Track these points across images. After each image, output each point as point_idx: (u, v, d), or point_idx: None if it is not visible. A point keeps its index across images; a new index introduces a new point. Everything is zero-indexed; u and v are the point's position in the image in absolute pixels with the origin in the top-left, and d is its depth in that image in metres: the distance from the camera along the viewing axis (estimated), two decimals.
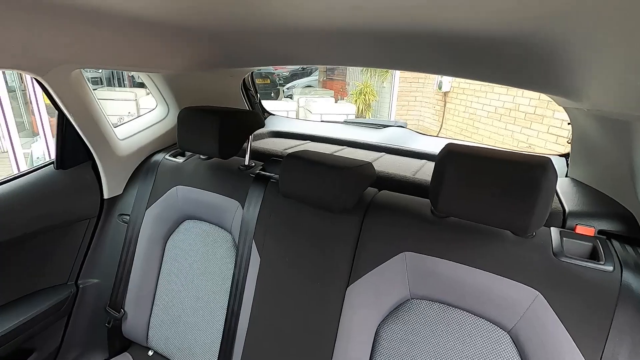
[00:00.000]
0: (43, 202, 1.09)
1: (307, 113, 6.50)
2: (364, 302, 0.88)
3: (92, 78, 8.23)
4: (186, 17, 0.82)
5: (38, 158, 5.09)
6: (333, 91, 9.18)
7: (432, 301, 0.85)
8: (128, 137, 1.25)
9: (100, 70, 8.54)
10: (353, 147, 1.54)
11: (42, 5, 0.70)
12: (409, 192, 1.00)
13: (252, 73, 1.61)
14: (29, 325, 1.07)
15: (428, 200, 0.92)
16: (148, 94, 7.49)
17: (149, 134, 1.31)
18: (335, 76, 10.56)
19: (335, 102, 7.52)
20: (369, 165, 0.95)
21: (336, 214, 0.93)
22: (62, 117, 1.04)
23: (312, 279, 0.94)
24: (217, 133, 1.00)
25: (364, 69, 7.08)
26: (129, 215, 1.23)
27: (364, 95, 6.79)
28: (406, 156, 1.44)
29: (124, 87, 8.49)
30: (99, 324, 1.23)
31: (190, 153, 1.26)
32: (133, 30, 0.92)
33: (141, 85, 9.56)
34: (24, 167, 4.50)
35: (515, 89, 4.51)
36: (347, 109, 6.57)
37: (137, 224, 1.21)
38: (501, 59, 0.78)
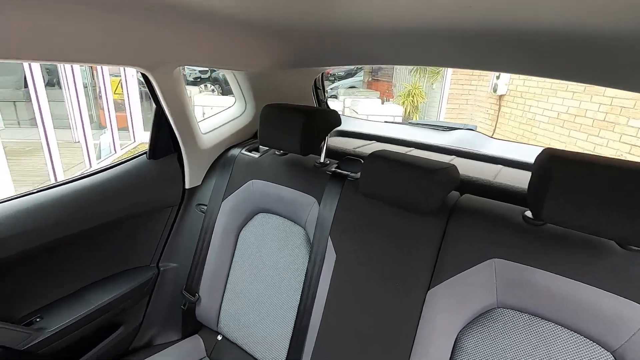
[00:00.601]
0: (135, 189, 1.18)
1: (352, 114, 6.50)
2: (446, 307, 0.86)
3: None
4: (279, 17, 0.85)
5: (104, 149, 5.52)
6: (379, 92, 9.10)
7: (521, 312, 0.81)
8: (209, 132, 1.32)
9: None
10: (421, 149, 1.51)
11: (157, 8, 0.76)
12: (491, 197, 0.97)
13: (322, 73, 1.64)
14: (119, 301, 1.17)
15: (518, 206, 0.88)
16: (201, 92, 7.87)
17: (227, 129, 1.38)
18: (381, 77, 10.45)
19: (382, 103, 7.45)
20: (454, 167, 0.93)
21: (419, 215, 0.92)
22: (159, 111, 1.12)
23: (390, 279, 0.93)
24: (299, 130, 1.03)
25: (413, 69, 6.94)
26: (206, 205, 1.30)
27: (412, 96, 6.65)
28: (478, 160, 1.39)
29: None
30: (175, 306, 1.31)
31: (264, 149, 1.30)
32: (229, 31, 0.97)
33: (194, 83, 10.06)
34: (93, 157, 4.91)
35: (583, 93, 4.21)
36: (394, 110, 6.48)
37: (213, 214, 1.27)
38: (602, 56, 0.74)
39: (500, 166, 1.32)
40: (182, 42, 0.92)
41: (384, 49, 1.10)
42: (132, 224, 1.22)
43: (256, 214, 1.25)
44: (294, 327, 1.09)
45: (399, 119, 6.12)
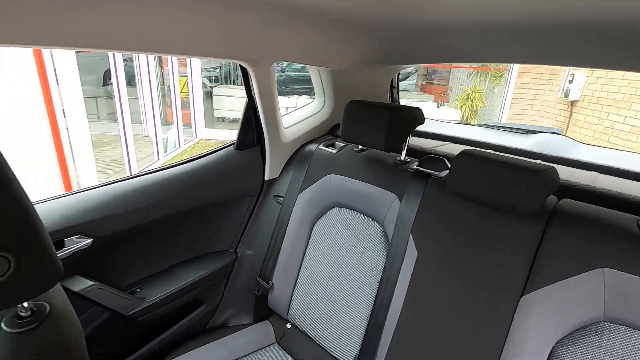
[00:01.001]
0: (221, 178, 1.26)
1: None
2: (542, 315, 0.81)
3: (212, 77, 9.29)
4: (374, 11, 0.86)
5: (170, 143, 5.93)
6: (433, 96, 8.84)
7: (633, 328, 0.75)
8: (290, 126, 1.37)
9: (218, 70, 9.64)
10: (500, 151, 1.45)
11: (264, 5, 0.81)
12: (593, 203, 0.90)
13: (399, 72, 1.63)
14: (203, 281, 1.25)
15: (629, 214, 0.82)
16: None
17: (305, 125, 1.42)
18: (436, 80, 10.14)
19: (437, 107, 7.22)
20: (553, 169, 0.88)
21: (512, 218, 0.89)
22: (251, 105, 1.19)
23: (477, 281, 0.91)
24: (384, 126, 1.04)
25: (473, 72, 6.65)
26: (283, 197, 1.35)
27: (471, 100, 6.37)
28: (568, 165, 1.30)
29: (238, 85, 9.38)
30: (249, 291, 1.38)
31: (341, 144, 1.33)
32: (323, 28, 1.01)
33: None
34: (162, 150, 5.30)
35: None
36: (451, 114, 6.26)
37: (289, 206, 1.32)
38: None
39: (595, 173, 1.22)
40: (281, 39, 0.97)
41: (475, 45, 1.07)
42: (216, 210, 1.30)
43: (331, 208, 1.27)
44: (369, 322, 1.09)
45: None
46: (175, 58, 5.58)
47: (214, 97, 7.60)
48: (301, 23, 0.96)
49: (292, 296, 1.31)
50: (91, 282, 0.97)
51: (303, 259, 1.31)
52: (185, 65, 6.10)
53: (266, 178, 1.37)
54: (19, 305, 0.46)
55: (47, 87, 2.99)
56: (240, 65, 1.04)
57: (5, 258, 0.39)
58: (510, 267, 0.87)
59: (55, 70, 3.08)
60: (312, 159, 1.32)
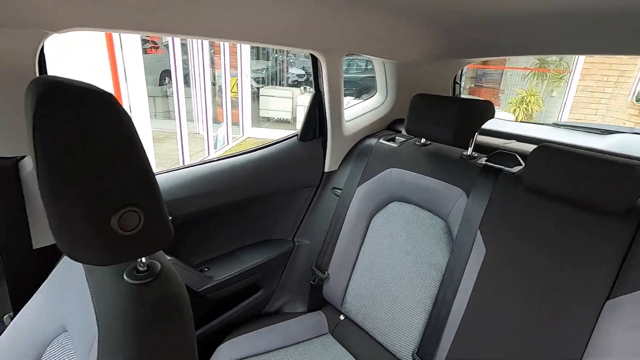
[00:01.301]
0: (284, 168, 1.30)
1: None
2: (629, 324, 0.75)
3: (256, 78, 9.60)
4: (446, 3, 0.85)
5: (219, 140, 6.19)
6: (482, 99, 8.48)
7: None
8: (351, 120, 1.39)
9: (264, 72, 9.93)
10: None
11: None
12: None
13: (465, 67, 1.60)
14: (263, 266, 1.30)
15: None
16: (302, 93, 8.34)
17: (365, 119, 1.43)
18: (485, 83, 9.74)
19: None
20: None
21: (598, 216, 0.83)
22: (316, 97, 1.22)
23: (556, 284, 0.86)
24: (454, 119, 1.02)
25: (529, 74, 6.29)
26: (341, 189, 1.37)
27: (526, 104, 6.03)
28: None
29: (283, 86, 9.61)
30: (305, 281, 1.41)
31: (402, 139, 1.32)
32: (395, 20, 1.01)
33: (296, 85, 10.71)
34: (212, 147, 5.56)
35: None
36: (504, 118, 5.96)
37: (347, 199, 1.33)
38: None
39: None
40: (354, 31, 0.99)
41: (552, 35, 1.02)
42: (277, 199, 1.35)
43: (391, 202, 1.27)
44: (429, 319, 1.07)
45: None
46: (227, 59, 5.83)
47: (260, 97, 7.85)
48: (374, 15, 0.97)
49: (347, 288, 1.32)
50: (169, 257, 1.05)
51: (359, 251, 1.31)
52: (236, 67, 6.35)
53: (326, 170, 1.39)
54: (139, 260, 0.51)
55: (118, 84, 3.26)
56: (312, 56, 1.07)
57: (137, 213, 0.44)
58: (595, 269, 0.82)
59: (125, 69, 3.35)
60: (372, 153, 1.32)
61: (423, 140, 1.24)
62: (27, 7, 0.62)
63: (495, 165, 1.05)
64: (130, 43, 3.37)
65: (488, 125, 1.64)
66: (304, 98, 7.71)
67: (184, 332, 0.49)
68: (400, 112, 1.50)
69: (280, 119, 7.72)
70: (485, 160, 1.09)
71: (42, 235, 0.79)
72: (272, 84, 9.93)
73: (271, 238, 1.38)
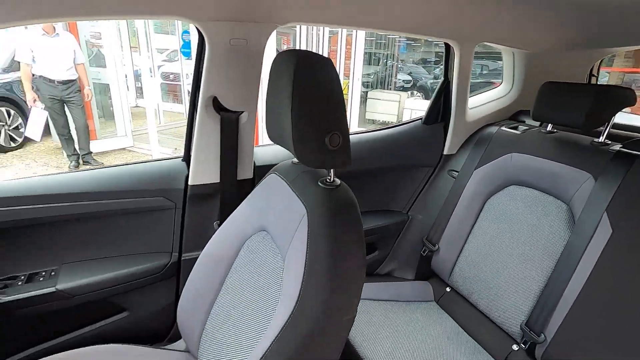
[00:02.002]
0: (407, 148, 1.48)
1: None
2: None
3: (365, 82, 9.92)
4: None
5: None
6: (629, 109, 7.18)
7: None
8: (474, 107, 1.49)
9: (372, 76, 10.21)
10: None
11: None
12: None
13: (602, 60, 1.55)
14: (379, 230, 1.50)
15: None
16: (409, 97, 8.37)
17: (488, 108, 1.52)
18: (637, 89, 8.19)
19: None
20: None
21: None
22: (444, 84, 1.37)
23: None
24: (588, 105, 1.05)
25: None
26: (457, 171, 1.48)
27: None
28: None
29: (390, 90, 9.73)
30: (415, 251, 1.56)
31: (525, 127, 1.36)
32: (528, 8, 1.09)
33: (403, 89, 10.73)
34: None
35: None
36: None
37: (463, 180, 1.44)
38: None
39: None
40: (489, 20, 1.11)
41: None
42: (398, 175, 1.53)
43: (509, 185, 1.33)
44: (542, 294, 1.12)
45: None
46: (342, 62, 6.25)
47: (368, 100, 8.14)
48: (509, 3, 1.07)
49: (455, 262, 1.43)
50: None
51: (472, 229, 1.41)
52: (348, 70, 6.74)
53: (445, 152, 1.52)
54: (329, 175, 0.76)
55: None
56: (445, 45, 1.22)
57: (338, 135, 0.68)
58: None
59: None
60: (493, 140, 1.41)
61: (549, 127, 1.28)
62: (265, 7, 0.94)
63: (633, 152, 1.05)
64: None
65: (621, 119, 1.55)
66: (410, 102, 7.73)
67: (357, 218, 0.71)
68: (525, 103, 1.53)
69: (384, 121, 7.89)
70: (621, 147, 1.09)
71: (243, 171, 1.14)
72: (379, 88, 10.15)
73: (388, 209, 1.58)
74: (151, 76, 5.80)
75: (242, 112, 1.06)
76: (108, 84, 5.21)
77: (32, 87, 3.91)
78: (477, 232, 1.38)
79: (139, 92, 7.10)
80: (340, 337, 0.68)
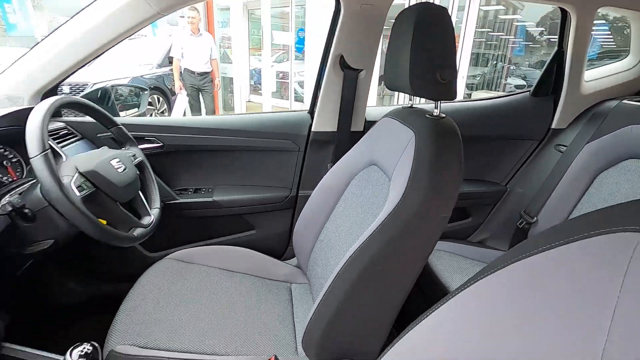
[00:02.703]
0: (512, 119, 1.51)
1: None
2: None
3: (470, 84, 9.38)
4: None
5: None
6: None
7: None
8: (591, 80, 1.45)
9: (478, 77, 9.60)
10: None
11: None
12: None
13: None
14: (474, 196, 1.56)
15: None
16: None
17: (607, 81, 1.45)
18: None
19: None
20: None
21: None
22: (558, 54, 1.38)
23: None
24: None
25: None
26: (565, 146, 1.45)
27: None
28: None
29: (498, 91, 9.04)
30: (511, 223, 1.57)
31: None
32: None
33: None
34: None
35: None
36: None
37: (571, 155, 1.40)
38: None
39: None
40: None
41: None
42: (499, 146, 1.57)
43: (625, 159, 1.27)
44: None
45: None
46: None
47: None
48: None
49: None
50: None
51: (577, 204, 1.37)
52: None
53: (553, 126, 1.50)
54: (435, 107, 0.90)
55: None
56: (561, 11, 1.24)
57: (448, 71, 0.82)
58: None
59: None
60: (611, 114, 1.35)
61: None
62: None
63: None
64: None
65: None
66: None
67: (458, 143, 0.82)
68: None
69: None
70: None
71: (356, 123, 1.35)
72: (488, 89, 9.51)
73: (485, 179, 1.62)
74: (272, 65, 6.51)
75: (362, 70, 1.27)
76: (232, 77, 6.07)
77: (179, 78, 4.83)
78: (584, 208, 1.35)
79: (251, 89, 8.05)
80: (434, 233, 0.79)
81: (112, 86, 3.67)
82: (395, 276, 0.80)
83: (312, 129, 1.37)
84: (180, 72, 4.83)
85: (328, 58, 1.27)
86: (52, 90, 1.12)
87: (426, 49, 0.80)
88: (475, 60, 9.40)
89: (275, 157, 1.43)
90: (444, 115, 0.90)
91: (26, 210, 0.82)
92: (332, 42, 1.25)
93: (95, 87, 3.87)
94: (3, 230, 0.80)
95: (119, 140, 1.10)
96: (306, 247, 1.17)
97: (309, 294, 1.18)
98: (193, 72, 4.83)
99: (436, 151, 0.78)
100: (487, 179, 1.63)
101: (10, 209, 0.80)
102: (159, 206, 1.09)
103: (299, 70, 6.58)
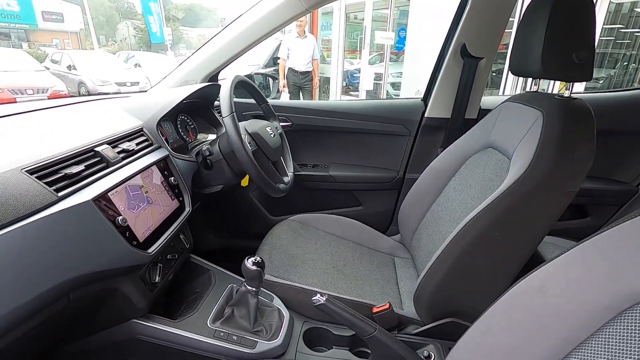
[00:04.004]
0: None
1: None
2: None
3: (591, 87, 8.23)
4: None
5: None
6: None
7: None
8: None
9: (601, 81, 8.35)
10: None
11: None
12: None
13: None
14: (598, 196, 1.46)
15: None
16: None
17: None
18: None
19: None
20: None
21: None
22: None
23: None
24: None
25: None
26: None
27: None
28: None
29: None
30: None
31: None
32: None
33: None
34: None
35: None
36: None
37: None
38: None
39: None
40: None
41: None
42: (631, 142, 1.43)
43: None
44: None
45: None
46: None
47: None
48: None
49: None
50: None
51: None
52: None
53: None
54: (567, 86, 0.90)
55: None
56: None
57: (585, 51, 0.82)
58: None
59: None
60: None
61: None
62: None
63: None
64: None
65: None
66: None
67: (591, 124, 0.80)
68: None
69: None
70: None
71: (470, 111, 1.39)
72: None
73: (610, 177, 1.50)
74: (357, 68, 6.70)
75: (482, 58, 1.31)
76: (328, 77, 6.39)
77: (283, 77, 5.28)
78: None
79: (343, 90, 8.33)
80: (557, 206, 0.79)
81: (255, 73, 4.32)
82: (513, 243, 0.83)
83: (425, 115, 1.45)
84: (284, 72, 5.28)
85: (449, 47, 1.34)
86: (214, 76, 1.41)
87: (563, 30, 0.79)
88: (600, 61, 8.20)
89: (387, 141, 1.55)
90: (575, 97, 0.89)
91: (208, 160, 1.08)
92: (455, 31, 1.31)
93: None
94: (193, 174, 1.08)
95: (265, 114, 1.34)
96: (411, 225, 1.26)
97: (411, 267, 1.26)
98: (296, 72, 5.23)
99: (566, 128, 0.78)
100: (614, 177, 1.51)
101: (200, 158, 1.07)
102: (292, 171, 1.30)
103: (392, 72, 6.60)
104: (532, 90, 1.03)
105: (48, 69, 7.62)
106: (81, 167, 0.70)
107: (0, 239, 0.51)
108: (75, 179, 0.68)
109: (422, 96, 1.53)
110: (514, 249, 0.84)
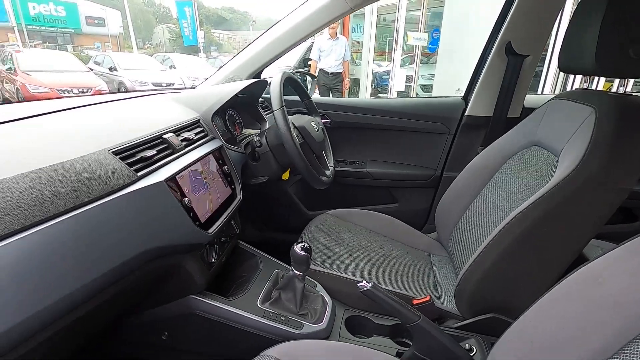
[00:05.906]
0: None
1: None
2: None
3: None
4: None
5: None
6: None
7: None
8: None
9: None
10: None
11: None
12: None
13: None
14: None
15: None
16: None
17: None
18: None
19: None
20: None
21: None
22: None
23: None
24: None
25: None
26: None
27: None
28: None
29: None
30: None
31: None
32: None
33: None
34: None
35: None
36: None
37: None
38: None
39: None
40: None
41: None
42: None
43: None
44: None
45: None
46: None
47: None
48: None
49: None
50: None
51: None
52: None
53: None
54: (622, 82, 0.89)
55: None
56: None
57: None
58: None
59: None
60: None
61: None
62: None
63: None
64: None
65: None
66: None
67: None
68: None
69: None
70: None
71: (513, 110, 1.37)
72: None
73: None
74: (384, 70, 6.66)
75: (528, 56, 1.30)
76: (358, 79, 6.41)
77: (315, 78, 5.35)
78: None
79: (372, 92, 8.31)
80: (609, 203, 0.76)
81: (296, 71, 4.44)
82: (560, 241, 0.81)
83: (466, 113, 1.45)
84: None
85: (493, 45, 1.33)
86: (258, 74, 1.47)
87: (621, 23, 0.76)
88: None
89: (425, 139, 1.55)
90: (630, 93, 0.87)
91: (255, 152, 1.13)
92: (500, 29, 1.31)
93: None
94: (242, 165, 1.14)
95: (309, 110, 1.39)
96: (450, 222, 1.25)
97: (447, 264, 1.26)
98: (327, 73, 5.29)
99: (621, 124, 0.76)
100: None
101: (249, 150, 1.13)
102: (333, 165, 1.33)
103: (422, 74, 6.52)
104: (581, 87, 1.01)
105: (92, 70, 8.09)
106: (154, 151, 0.76)
107: (95, 209, 0.58)
108: (149, 161, 0.74)
109: (462, 94, 1.53)
110: (560, 247, 0.82)
